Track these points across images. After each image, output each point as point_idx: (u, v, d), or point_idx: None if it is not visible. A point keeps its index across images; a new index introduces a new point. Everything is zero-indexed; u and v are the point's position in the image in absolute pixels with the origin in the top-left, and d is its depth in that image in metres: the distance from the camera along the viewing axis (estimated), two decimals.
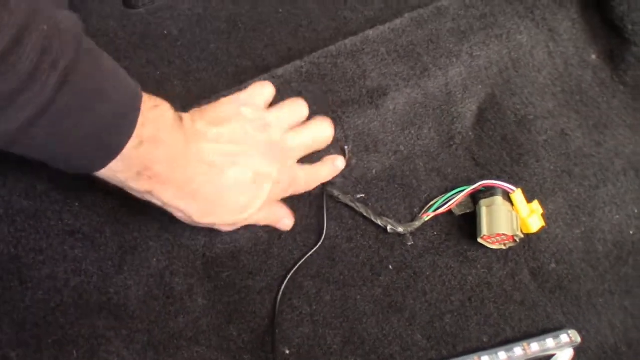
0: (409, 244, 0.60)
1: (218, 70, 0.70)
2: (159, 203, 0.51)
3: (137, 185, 0.48)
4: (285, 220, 0.59)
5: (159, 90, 0.68)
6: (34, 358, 0.52)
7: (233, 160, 0.52)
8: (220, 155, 0.51)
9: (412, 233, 0.61)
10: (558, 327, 0.57)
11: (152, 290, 0.56)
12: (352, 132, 0.63)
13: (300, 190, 0.60)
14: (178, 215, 0.52)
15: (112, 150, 0.44)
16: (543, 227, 0.59)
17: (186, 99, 0.67)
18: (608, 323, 0.57)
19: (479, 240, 0.59)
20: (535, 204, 0.60)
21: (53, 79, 0.38)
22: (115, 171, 0.46)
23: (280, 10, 0.72)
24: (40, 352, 0.52)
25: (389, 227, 0.60)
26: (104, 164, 0.44)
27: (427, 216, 0.61)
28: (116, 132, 0.43)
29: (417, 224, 0.60)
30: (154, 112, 0.47)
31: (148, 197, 0.50)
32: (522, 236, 0.58)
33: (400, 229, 0.60)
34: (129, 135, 0.44)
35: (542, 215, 0.60)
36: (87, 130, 0.42)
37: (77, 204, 0.57)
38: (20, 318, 0.53)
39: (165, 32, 0.71)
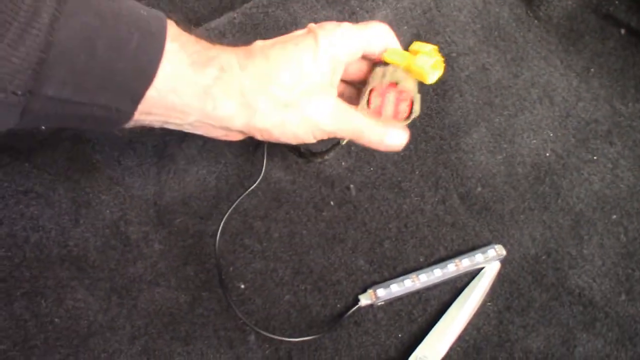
0: (353, 194, 0.64)
1: None
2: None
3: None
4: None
5: None
6: (5, 310, 0.54)
7: None
8: None
9: (330, 156, 0.58)
10: (486, 244, 0.63)
11: (109, 240, 0.59)
12: None
13: None
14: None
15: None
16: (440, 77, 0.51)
17: None
18: (529, 236, 0.63)
19: (363, 107, 0.49)
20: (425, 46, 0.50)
21: None
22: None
23: None
24: (11, 304, 0.54)
25: (303, 149, 0.58)
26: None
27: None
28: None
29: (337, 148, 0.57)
30: None
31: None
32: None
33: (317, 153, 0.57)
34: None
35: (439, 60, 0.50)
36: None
37: (26, 165, 0.59)
38: None
39: None
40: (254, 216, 0.62)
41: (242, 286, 0.59)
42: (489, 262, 0.61)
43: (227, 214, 0.58)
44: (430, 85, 0.69)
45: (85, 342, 0.54)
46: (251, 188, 0.61)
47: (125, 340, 0.55)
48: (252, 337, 0.57)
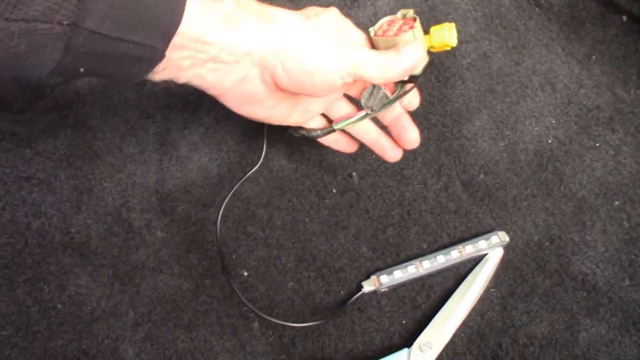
0: (355, 181, 0.64)
1: None
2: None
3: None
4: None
5: None
6: (8, 296, 0.54)
7: None
8: None
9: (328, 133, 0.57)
10: (489, 230, 0.63)
11: (111, 227, 0.59)
12: None
13: None
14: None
15: None
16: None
17: None
18: (532, 222, 0.63)
19: (373, 36, 0.51)
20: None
21: None
22: None
23: None
24: (14, 290, 0.54)
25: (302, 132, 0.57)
26: None
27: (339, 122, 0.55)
28: None
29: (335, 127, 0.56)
30: None
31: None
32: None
33: (315, 133, 0.57)
34: None
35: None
36: None
37: (28, 151, 0.59)
38: None
39: None
40: (257, 204, 0.62)
41: (245, 273, 0.59)
42: (492, 248, 0.61)
43: (227, 199, 0.58)
44: (431, 72, 0.69)
45: (88, 328, 0.54)
46: (250, 173, 0.60)
47: (129, 326, 0.55)
48: (256, 324, 0.57)
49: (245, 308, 0.57)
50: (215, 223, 0.60)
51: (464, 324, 0.58)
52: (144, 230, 0.59)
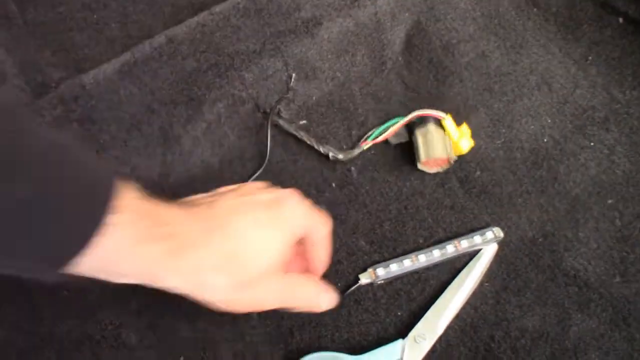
0: (354, 176, 0.66)
1: (155, 10, 0.73)
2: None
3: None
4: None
5: (99, 34, 0.71)
6: (16, 284, 0.55)
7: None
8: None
9: (351, 160, 0.66)
10: (484, 226, 0.64)
11: None
12: (291, 61, 0.68)
13: None
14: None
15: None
16: (472, 146, 0.66)
17: (125, 42, 0.69)
18: (527, 219, 0.64)
19: (419, 166, 0.65)
20: (464, 127, 0.66)
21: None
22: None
23: None
24: (21, 277, 0.56)
25: (330, 155, 0.65)
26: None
27: (366, 144, 0.66)
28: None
29: (356, 151, 0.66)
30: None
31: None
32: (456, 158, 0.65)
33: (340, 156, 0.65)
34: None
35: (470, 135, 0.66)
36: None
37: None
38: None
39: None
40: None
41: None
42: (486, 243, 0.63)
43: None
44: (430, 71, 0.70)
45: (93, 315, 0.56)
46: (257, 173, 0.63)
47: (132, 314, 0.57)
48: (255, 314, 0.59)
49: None
50: None
51: (458, 317, 0.59)
52: None
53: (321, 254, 0.55)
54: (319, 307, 0.54)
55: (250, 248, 0.45)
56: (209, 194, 0.51)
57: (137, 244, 0.40)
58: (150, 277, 0.42)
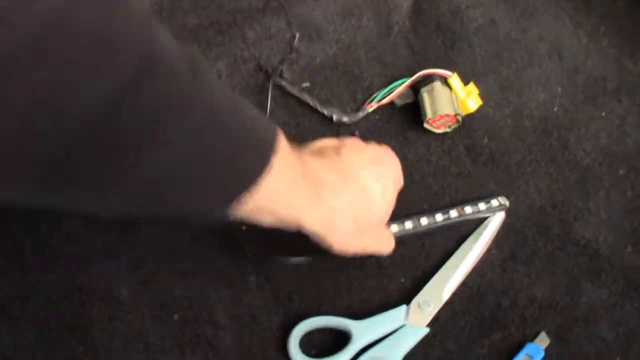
0: (356, 134, 0.64)
1: None
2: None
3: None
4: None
5: None
6: (3, 229, 0.53)
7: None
8: None
9: (355, 123, 0.64)
10: (491, 195, 0.62)
11: None
12: (295, 21, 0.66)
13: None
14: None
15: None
16: (480, 105, 0.64)
17: None
18: (535, 188, 0.62)
19: (425, 125, 0.63)
20: (471, 85, 0.64)
21: None
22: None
23: None
24: (9, 223, 0.53)
25: (334, 117, 0.63)
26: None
27: (371, 107, 0.64)
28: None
29: (361, 114, 0.64)
30: None
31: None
32: (464, 115, 0.63)
33: (345, 119, 0.63)
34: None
35: (478, 94, 0.64)
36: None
37: None
38: None
39: None
40: None
41: (244, 228, 0.58)
42: (492, 211, 0.60)
43: None
44: (438, 36, 0.68)
45: (82, 267, 0.53)
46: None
47: (124, 269, 0.54)
48: (253, 278, 0.57)
49: (243, 262, 0.57)
50: None
51: (464, 284, 0.57)
52: None
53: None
54: (388, 252, 0.56)
55: (372, 199, 0.50)
56: (327, 141, 0.54)
57: (293, 187, 0.43)
58: (296, 218, 0.45)
